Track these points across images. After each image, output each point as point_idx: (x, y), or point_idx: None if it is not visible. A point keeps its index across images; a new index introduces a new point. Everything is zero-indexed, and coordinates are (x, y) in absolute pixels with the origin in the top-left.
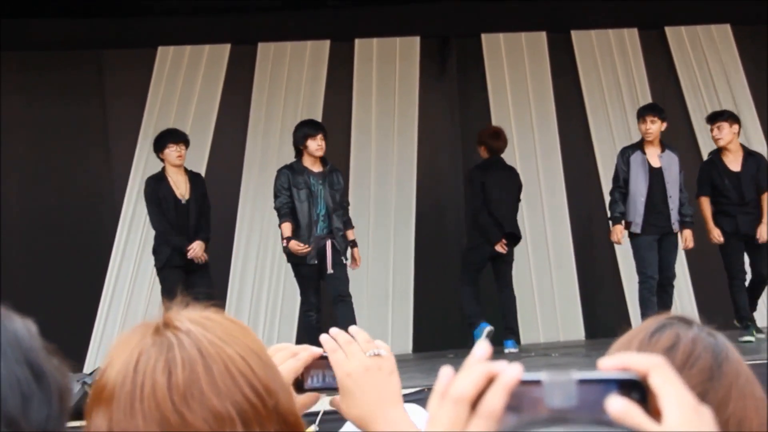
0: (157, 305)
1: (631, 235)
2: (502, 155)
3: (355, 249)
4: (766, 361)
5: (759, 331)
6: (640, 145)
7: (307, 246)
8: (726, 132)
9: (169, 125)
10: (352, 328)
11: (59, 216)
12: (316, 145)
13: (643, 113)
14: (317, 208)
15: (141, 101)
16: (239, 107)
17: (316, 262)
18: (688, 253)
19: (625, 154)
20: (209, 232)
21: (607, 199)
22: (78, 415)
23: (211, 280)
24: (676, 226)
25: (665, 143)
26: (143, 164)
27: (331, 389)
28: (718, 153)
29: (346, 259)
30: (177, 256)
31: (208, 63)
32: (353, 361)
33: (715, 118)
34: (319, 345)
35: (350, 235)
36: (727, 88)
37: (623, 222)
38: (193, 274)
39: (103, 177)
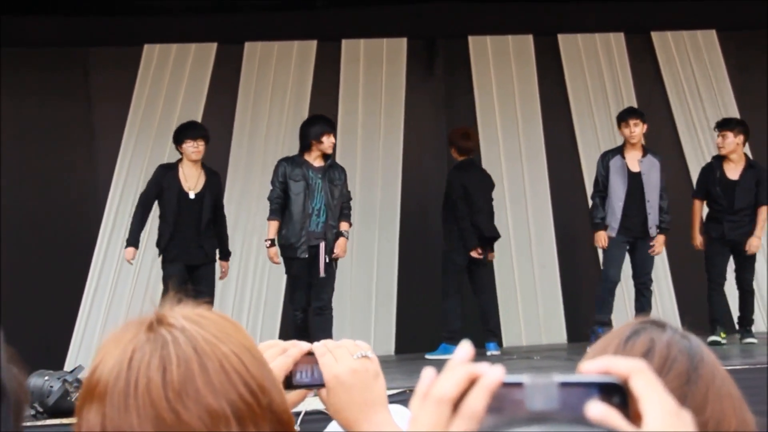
0: (139, 305)
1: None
2: (475, 155)
3: (342, 239)
4: (766, 366)
5: (726, 335)
6: (620, 150)
7: (276, 257)
8: (729, 141)
9: (154, 124)
10: (340, 341)
11: (43, 214)
12: (330, 142)
13: (625, 117)
14: (313, 201)
15: (126, 100)
16: (225, 107)
17: (306, 255)
18: (671, 254)
19: (606, 158)
20: (227, 244)
21: (590, 203)
22: (58, 413)
23: (212, 281)
24: (653, 231)
25: (647, 148)
26: (127, 163)
27: (319, 385)
28: (720, 159)
29: (334, 262)
30: (175, 250)
31: (195, 62)
32: (341, 364)
33: (721, 126)
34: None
35: (344, 226)
36: (713, 93)
37: (605, 227)
38: (197, 271)
39: (88, 175)
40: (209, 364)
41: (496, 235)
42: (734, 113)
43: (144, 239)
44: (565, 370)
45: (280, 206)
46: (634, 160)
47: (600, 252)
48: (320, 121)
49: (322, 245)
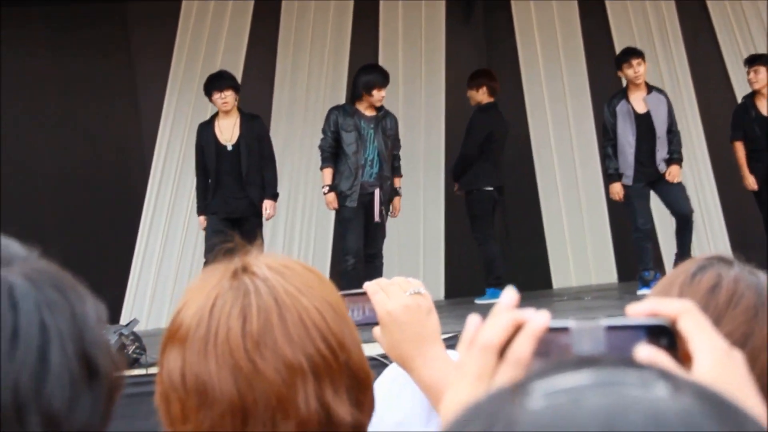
0: (190, 257)
1: (623, 186)
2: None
3: (397, 198)
4: None
5: None
6: (624, 93)
7: (335, 203)
8: (763, 76)
9: (196, 79)
10: (392, 279)
11: (90, 170)
12: (380, 96)
13: (627, 57)
14: (366, 152)
15: (167, 54)
16: (265, 60)
17: (355, 205)
18: (723, 194)
19: (611, 104)
20: (275, 187)
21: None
22: None
23: (256, 233)
24: (662, 167)
25: (651, 85)
26: (171, 118)
27: (372, 324)
28: (751, 97)
29: (388, 211)
30: (216, 205)
31: (233, 18)
32: (394, 300)
33: (753, 61)
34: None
35: (396, 182)
36: (762, 26)
37: (620, 177)
38: (242, 225)
39: (132, 131)
40: (288, 316)
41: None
42: None
43: (190, 191)
44: (616, 310)
45: (332, 154)
46: (639, 100)
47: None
48: (373, 71)
49: (377, 192)
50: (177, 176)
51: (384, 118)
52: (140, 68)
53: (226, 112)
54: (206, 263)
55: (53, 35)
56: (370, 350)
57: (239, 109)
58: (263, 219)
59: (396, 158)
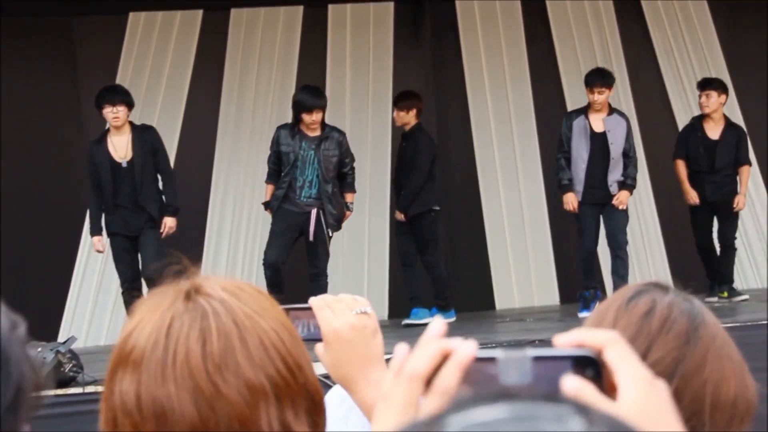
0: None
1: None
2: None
3: (348, 213)
4: (766, 322)
5: (722, 294)
6: (584, 110)
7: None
8: (714, 101)
9: (141, 93)
10: (339, 296)
11: (31, 186)
12: (310, 119)
13: (592, 81)
14: (304, 173)
15: (113, 69)
16: (212, 74)
17: (277, 216)
18: (663, 217)
19: (570, 118)
20: (176, 203)
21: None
22: (56, 383)
23: (155, 249)
24: (613, 188)
25: (613, 107)
26: None
27: (316, 340)
28: (700, 119)
29: (331, 233)
30: (116, 225)
31: (181, 29)
32: (340, 319)
33: (705, 85)
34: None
35: (348, 197)
36: (702, 54)
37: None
38: (140, 239)
39: (76, 145)
40: (249, 338)
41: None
42: (724, 74)
43: None
44: (557, 332)
45: (275, 171)
46: (598, 119)
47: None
48: (306, 95)
49: (314, 212)
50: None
51: (325, 139)
52: (85, 82)
53: (118, 128)
54: (124, 288)
55: None
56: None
57: (131, 123)
58: (160, 232)
59: (349, 174)
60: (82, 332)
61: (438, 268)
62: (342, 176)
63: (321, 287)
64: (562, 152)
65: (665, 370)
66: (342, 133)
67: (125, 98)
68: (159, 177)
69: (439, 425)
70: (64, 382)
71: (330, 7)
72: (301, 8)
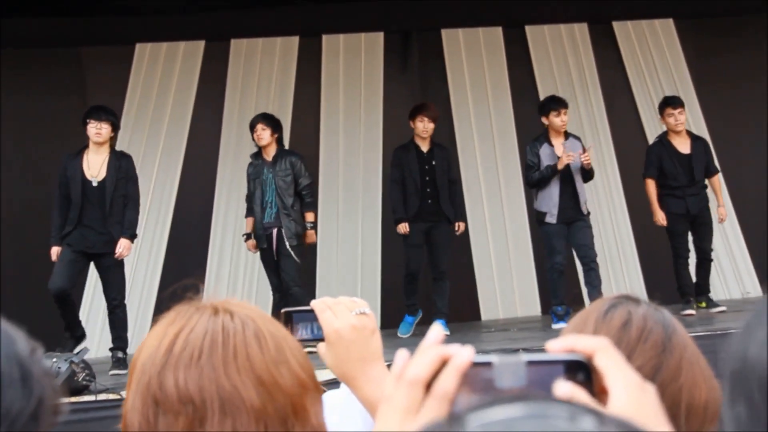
0: (139, 290)
1: (544, 224)
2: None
3: (309, 232)
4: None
5: (699, 306)
6: (546, 137)
7: (254, 248)
8: (683, 117)
9: (148, 118)
10: (339, 298)
11: (42, 206)
12: (256, 135)
13: (556, 106)
14: (266, 195)
15: (121, 96)
16: (214, 100)
17: (265, 246)
18: (636, 231)
19: (534, 146)
20: (135, 228)
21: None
22: (66, 392)
23: (114, 269)
24: (584, 208)
25: (567, 132)
26: None
27: (318, 340)
28: (665, 135)
29: (297, 245)
30: (73, 238)
31: (184, 58)
32: (341, 320)
33: (676, 103)
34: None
35: (307, 216)
36: (671, 77)
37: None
38: (99, 260)
39: None
40: (290, 342)
41: None
42: (692, 96)
43: (141, 225)
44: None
45: (250, 204)
46: (559, 145)
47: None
48: (252, 119)
49: (275, 232)
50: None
51: (277, 159)
52: None
53: (98, 145)
54: (59, 293)
55: (11, 77)
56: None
57: (111, 147)
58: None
59: (306, 194)
60: (94, 344)
61: (446, 281)
62: (300, 196)
63: (293, 296)
64: (532, 171)
65: (645, 377)
66: (297, 155)
67: (112, 118)
68: (125, 203)
69: (458, 424)
70: (78, 390)
71: (324, 37)
72: (296, 38)
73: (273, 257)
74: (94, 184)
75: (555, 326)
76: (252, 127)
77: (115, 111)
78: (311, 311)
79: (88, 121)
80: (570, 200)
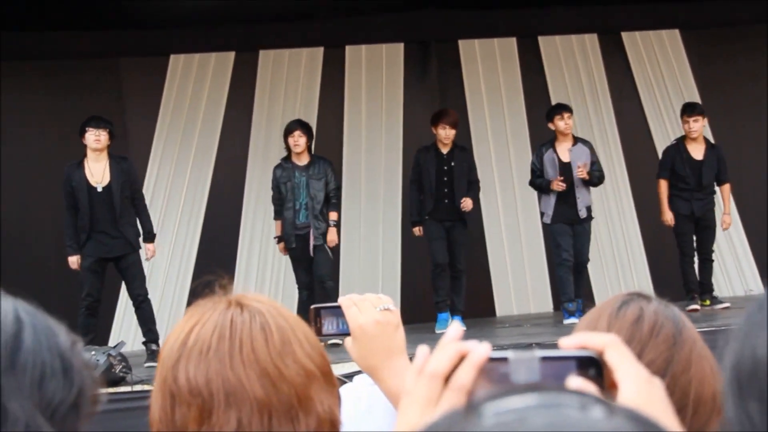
0: (172, 288)
1: (545, 225)
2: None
3: (331, 229)
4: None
5: (704, 304)
6: (552, 143)
7: (284, 251)
8: (700, 124)
9: (181, 125)
10: (364, 295)
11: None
12: (293, 142)
13: (559, 111)
14: (300, 198)
15: (156, 104)
16: (243, 107)
17: (294, 246)
18: (644, 231)
19: (540, 152)
20: (152, 229)
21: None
22: (105, 384)
23: (139, 270)
24: (583, 213)
25: (577, 137)
26: (158, 160)
27: (344, 335)
28: (682, 140)
29: (324, 242)
30: (90, 248)
31: (215, 69)
32: (366, 315)
33: (693, 110)
34: (307, 319)
35: (331, 216)
36: (678, 85)
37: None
38: (119, 262)
39: None
40: (299, 333)
41: None
42: (696, 99)
43: (175, 225)
44: (551, 336)
45: (279, 208)
46: (565, 150)
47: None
48: (289, 124)
49: (311, 231)
50: (162, 211)
51: (312, 165)
52: (131, 116)
53: (98, 152)
54: (88, 303)
55: (53, 86)
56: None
57: (109, 154)
58: (142, 255)
59: (333, 196)
60: (130, 337)
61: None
62: (327, 198)
63: (327, 290)
64: (536, 177)
65: (657, 370)
66: (329, 162)
67: (109, 126)
68: (134, 205)
69: (474, 413)
70: (115, 381)
71: (347, 48)
72: (321, 49)
73: (308, 254)
74: (99, 189)
75: (566, 322)
76: (289, 133)
77: (148, 117)
78: (338, 307)
79: (86, 129)
80: (565, 204)
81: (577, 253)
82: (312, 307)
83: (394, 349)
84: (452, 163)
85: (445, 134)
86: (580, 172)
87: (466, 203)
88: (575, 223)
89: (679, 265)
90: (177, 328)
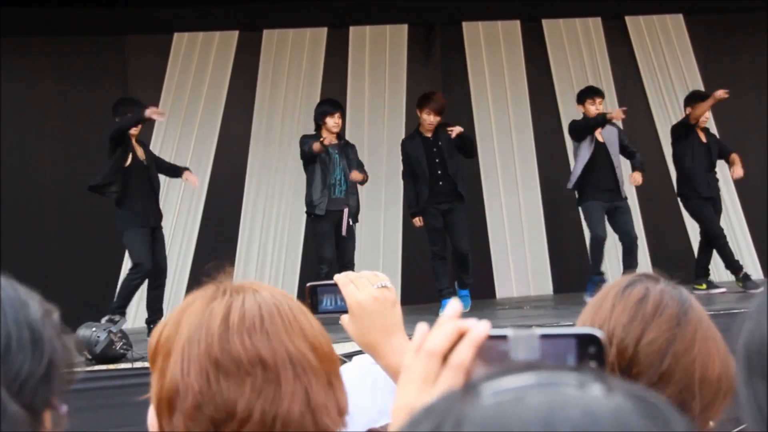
0: (175, 262)
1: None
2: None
3: (356, 172)
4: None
5: (700, 287)
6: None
7: (320, 146)
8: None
9: (184, 104)
10: (360, 272)
11: (86, 183)
12: (333, 122)
13: (591, 95)
14: (334, 173)
15: (159, 82)
16: (246, 88)
17: (323, 213)
18: (646, 219)
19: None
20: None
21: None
22: (105, 360)
23: (163, 246)
24: (622, 188)
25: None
26: (161, 140)
27: (342, 312)
28: (692, 127)
29: (356, 222)
30: (140, 217)
31: (219, 48)
32: (363, 292)
33: (702, 97)
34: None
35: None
36: (681, 71)
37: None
38: (155, 234)
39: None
40: (303, 318)
41: None
42: (699, 88)
43: (175, 207)
44: (551, 318)
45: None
46: (597, 132)
47: (581, 212)
48: (324, 103)
49: (346, 210)
50: (165, 189)
51: (346, 146)
52: (134, 94)
53: (134, 135)
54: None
55: (56, 64)
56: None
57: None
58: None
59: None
60: (131, 314)
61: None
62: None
63: None
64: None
65: (659, 349)
66: (353, 145)
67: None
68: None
69: (471, 392)
70: (115, 358)
71: (351, 29)
72: (325, 30)
73: (336, 231)
74: (145, 164)
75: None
76: (329, 113)
77: (151, 95)
78: (335, 285)
79: (126, 114)
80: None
81: (622, 228)
82: (308, 284)
83: (392, 326)
84: (439, 143)
85: (429, 120)
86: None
87: (454, 129)
88: (613, 202)
89: (716, 250)
90: (193, 309)
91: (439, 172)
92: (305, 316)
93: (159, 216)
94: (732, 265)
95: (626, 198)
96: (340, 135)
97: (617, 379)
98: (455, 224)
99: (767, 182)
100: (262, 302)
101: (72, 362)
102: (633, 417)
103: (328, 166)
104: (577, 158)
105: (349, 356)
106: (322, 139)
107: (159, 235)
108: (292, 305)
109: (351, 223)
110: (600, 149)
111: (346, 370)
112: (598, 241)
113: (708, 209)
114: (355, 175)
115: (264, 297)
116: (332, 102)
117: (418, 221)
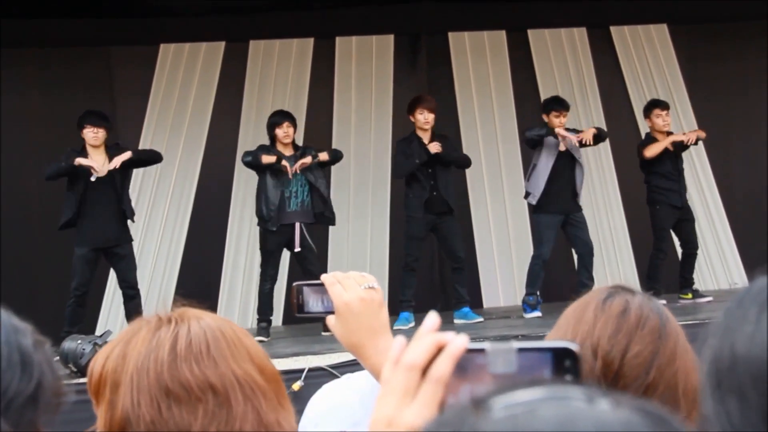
0: (161, 275)
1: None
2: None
3: (309, 157)
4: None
5: (686, 296)
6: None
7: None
8: (670, 118)
9: (170, 115)
10: (348, 273)
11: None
12: (282, 132)
13: (558, 108)
14: (290, 186)
15: (146, 93)
16: (233, 98)
17: (275, 228)
18: (631, 227)
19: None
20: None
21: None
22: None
23: (132, 261)
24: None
25: (567, 128)
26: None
27: (329, 313)
28: (653, 137)
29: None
30: (85, 235)
31: (205, 59)
32: (350, 293)
33: (664, 105)
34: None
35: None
36: (665, 81)
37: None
38: (112, 257)
39: None
40: (247, 341)
41: None
42: (684, 99)
43: (162, 218)
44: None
45: (252, 166)
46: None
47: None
48: (275, 114)
49: (298, 225)
50: (151, 199)
51: (302, 155)
52: (121, 106)
53: (95, 147)
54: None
55: (41, 74)
56: (320, 361)
57: (106, 146)
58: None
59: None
60: (117, 327)
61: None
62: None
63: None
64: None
65: (644, 361)
66: (312, 148)
67: (106, 123)
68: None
69: (483, 407)
70: None
71: (337, 39)
72: (311, 40)
73: (287, 247)
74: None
75: (527, 315)
76: (277, 124)
77: (138, 106)
78: (321, 285)
79: (84, 125)
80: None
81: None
82: (294, 284)
83: (379, 328)
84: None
85: (424, 118)
86: (582, 137)
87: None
88: (567, 214)
89: (655, 260)
90: (140, 340)
91: (432, 182)
92: (249, 339)
93: (120, 235)
94: (652, 279)
95: (581, 210)
96: (296, 145)
97: (622, 394)
98: (447, 234)
99: (751, 188)
100: (207, 328)
101: (61, 391)
102: (643, 429)
103: (280, 178)
104: (537, 169)
105: (336, 367)
106: (283, 165)
107: (122, 252)
108: (235, 329)
109: (307, 237)
110: (561, 158)
111: (358, 381)
112: (542, 261)
113: (669, 222)
114: (298, 166)
115: (208, 323)
116: (281, 112)
117: (434, 146)
